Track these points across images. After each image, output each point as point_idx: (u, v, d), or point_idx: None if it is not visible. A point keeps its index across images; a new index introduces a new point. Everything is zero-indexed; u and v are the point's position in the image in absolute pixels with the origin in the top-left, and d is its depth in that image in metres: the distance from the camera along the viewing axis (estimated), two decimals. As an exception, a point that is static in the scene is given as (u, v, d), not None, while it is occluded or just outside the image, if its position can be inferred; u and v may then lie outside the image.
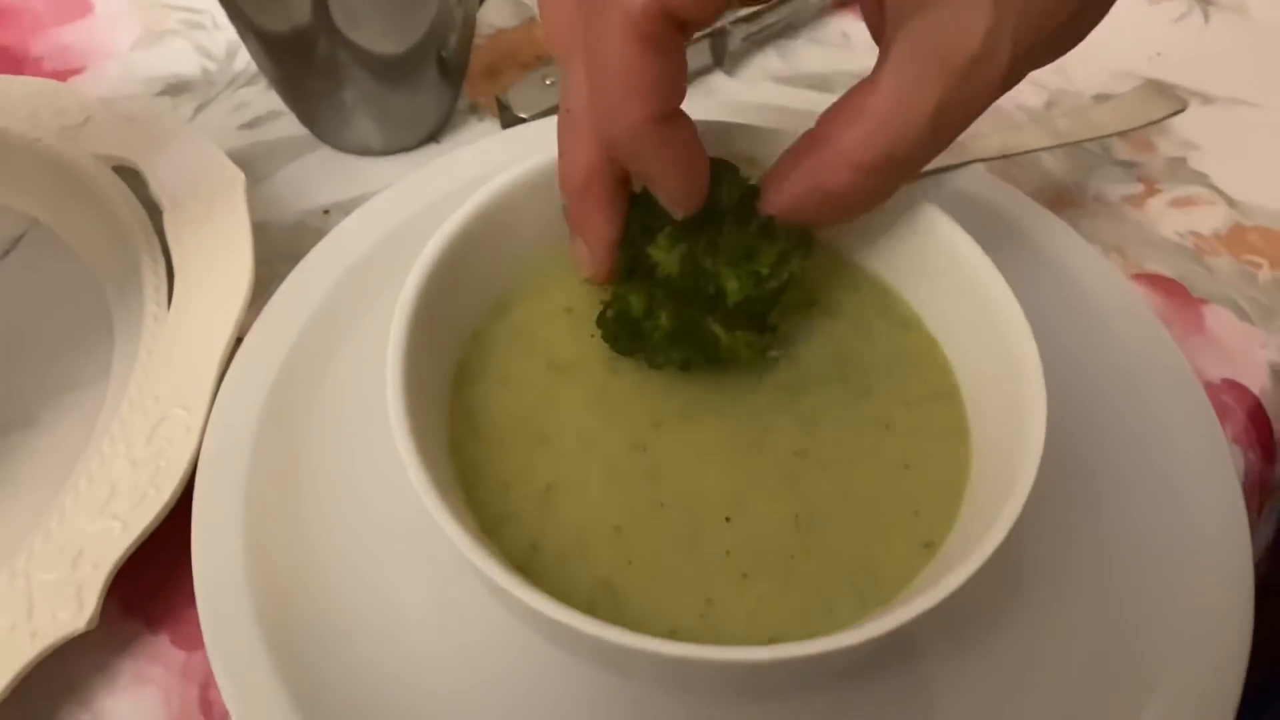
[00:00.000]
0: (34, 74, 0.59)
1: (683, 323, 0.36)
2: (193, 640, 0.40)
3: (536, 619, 0.30)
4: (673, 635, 0.31)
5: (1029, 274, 0.44)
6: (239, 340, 0.44)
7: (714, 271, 0.35)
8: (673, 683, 0.34)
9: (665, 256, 0.36)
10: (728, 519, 0.34)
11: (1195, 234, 0.53)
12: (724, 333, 0.36)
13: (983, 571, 0.29)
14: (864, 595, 0.32)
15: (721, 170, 0.36)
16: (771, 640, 0.31)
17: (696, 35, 0.59)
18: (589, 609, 0.30)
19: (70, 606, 0.37)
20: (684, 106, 0.33)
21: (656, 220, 0.36)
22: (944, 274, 0.38)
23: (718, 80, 0.61)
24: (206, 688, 0.39)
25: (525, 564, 0.33)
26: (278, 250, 0.50)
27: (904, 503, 0.34)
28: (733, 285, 0.35)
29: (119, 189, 0.48)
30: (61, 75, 0.59)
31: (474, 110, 0.59)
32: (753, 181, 0.36)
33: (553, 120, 0.47)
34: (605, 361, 0.38)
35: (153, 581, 0.41)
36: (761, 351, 0.36)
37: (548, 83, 0.56)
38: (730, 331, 0.36)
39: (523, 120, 0.55)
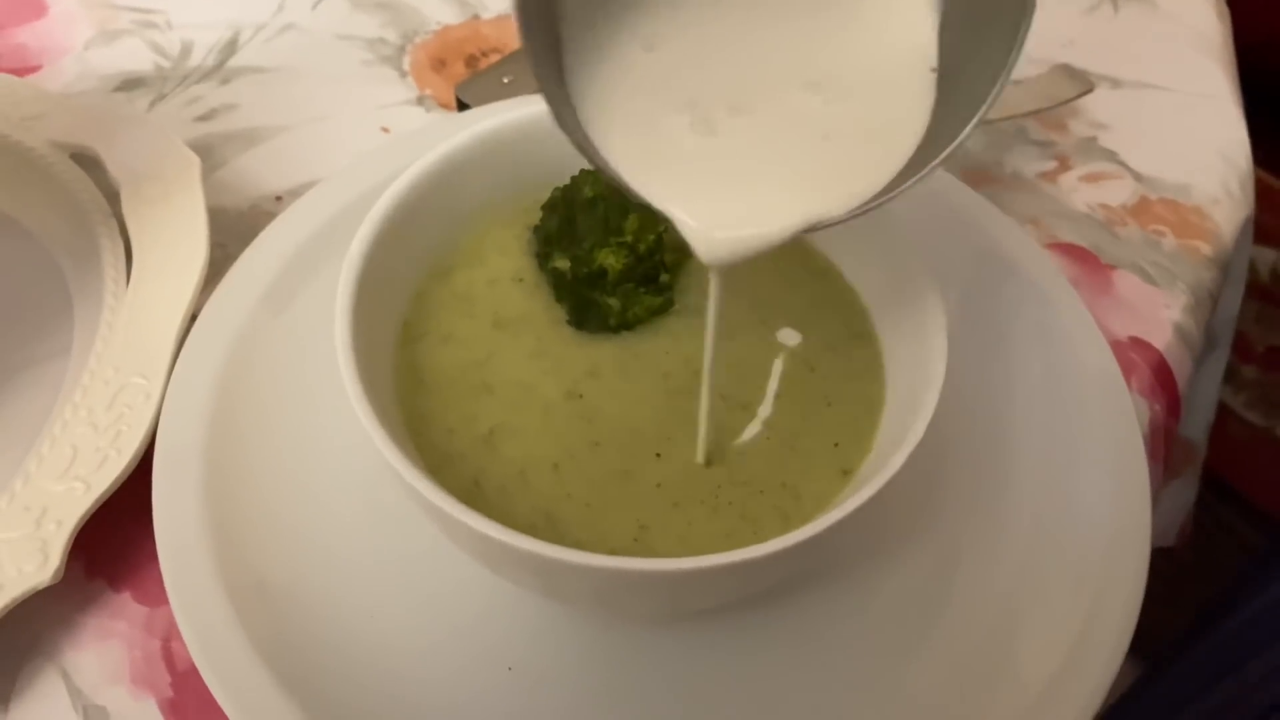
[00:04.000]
0: (-10, 73, 0.60)
1: (582, 305, 0.40)
2: (154, 597, 0.42)
3: (481, 543, 0.32)
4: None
5: (949, 245, 0.47)
6: (195, 316, 0.45)
7: (593, 256, 0.40)
8: (610, 601, 0.36)
9: (561, 261, 0.41)
10: (658, 455, 0.36)
11: (1105, 206, 0.57)
12: (616, 303, 0.40)
13: (890, 491, 0.32)
14: (788, 517, 0.35)
15: (582, 175, 0.41)
16: (701, 560, 0.33)
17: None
18: (530, 535, 0.32)
19: (35, 560, 0.38)
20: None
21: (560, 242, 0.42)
22: (859, 231, 0.40)
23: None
24: (169, 640, 0.41)
25: (469, 499, 0.35)
26: (233, 233, 0.52)
27: (825, 436, 0.37)
28: (610, 261, 0.40)
29: (76, 174, 0.50)
30: (19, 73, 0.60)
31: (420, 102, 0.61)
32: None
33: (498, 104, 0.50)
34: (543, 320, 0.40)
35: (115, 544, 0.42)
36: (659, 309, 0.40)
37: (505, 81, 0.58)
38: (625, 299, 0.40)
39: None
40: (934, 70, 0.34)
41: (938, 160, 0.32)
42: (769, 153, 0.34)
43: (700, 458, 0.37)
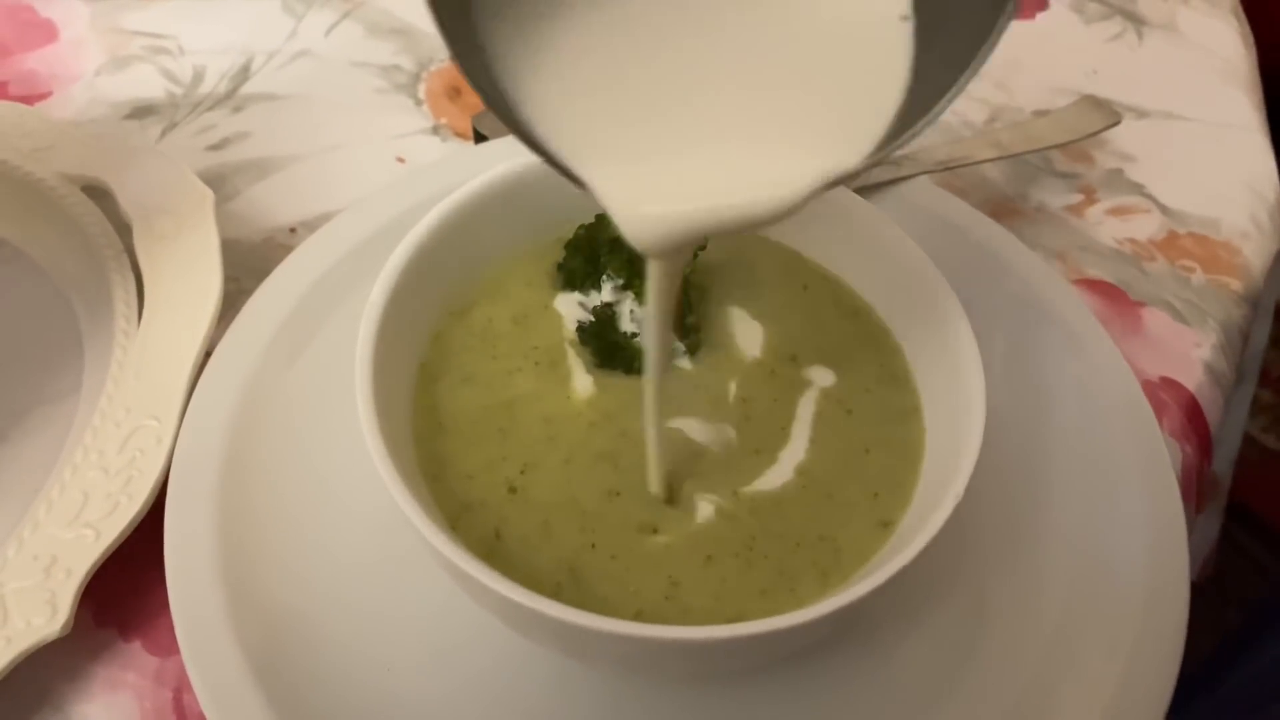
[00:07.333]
0: (0, 99, 0.59)
1: (605, 348, 0.39)
2: (165, 646, 0.40)
3: (503, 605, 0.31)
4: (638, 617, 0.32)
5: (974, 280, 0.46)
6: (209, 354, 0.44)
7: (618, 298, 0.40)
8: (640, 666, 0.35)
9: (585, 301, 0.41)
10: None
11: (1132, 240, 0.56)
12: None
13: (931, 551, 0.31)
14: (826, 574, 0.34)
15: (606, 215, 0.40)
16: (736, 619, 0.32)
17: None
18: (554, 595, 0.31)
19: (44, 612, 0.37)
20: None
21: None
22: (889, 270, 0.39)
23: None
24: (180, 692, 0.39)
25: (489, 553, 0.34)
26: (246, 267, 0.51)
27: (864, 485, 0.36)
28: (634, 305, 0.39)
29: (88, 208, 0.49)
30: (28, 100, 0.60)
31: (436, 131, 0.60)
32: None
33: (512, 139, 0.49)
34: (566, 361, 0.39)
35: (125, 591, 0.41)
36: (685, 351, 0.39)
37: (523, 111, 0.57)
38: None
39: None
40: (905, 19, 0.29)
41: (924, 121, 0.27)
42: (718, 125, 0.30)
43: (654, 488, 0.35)
